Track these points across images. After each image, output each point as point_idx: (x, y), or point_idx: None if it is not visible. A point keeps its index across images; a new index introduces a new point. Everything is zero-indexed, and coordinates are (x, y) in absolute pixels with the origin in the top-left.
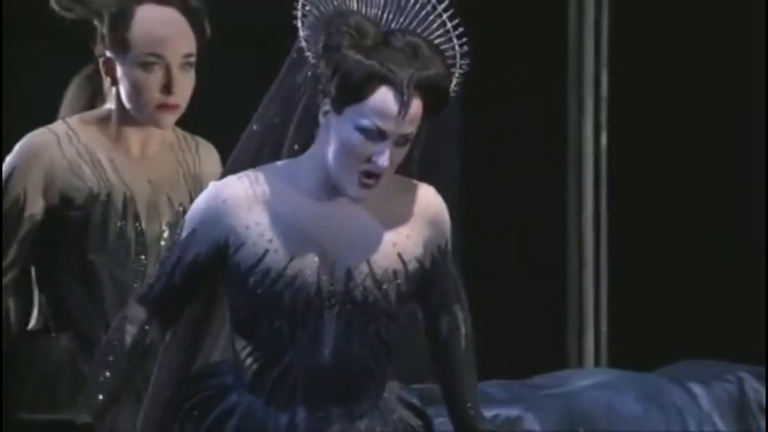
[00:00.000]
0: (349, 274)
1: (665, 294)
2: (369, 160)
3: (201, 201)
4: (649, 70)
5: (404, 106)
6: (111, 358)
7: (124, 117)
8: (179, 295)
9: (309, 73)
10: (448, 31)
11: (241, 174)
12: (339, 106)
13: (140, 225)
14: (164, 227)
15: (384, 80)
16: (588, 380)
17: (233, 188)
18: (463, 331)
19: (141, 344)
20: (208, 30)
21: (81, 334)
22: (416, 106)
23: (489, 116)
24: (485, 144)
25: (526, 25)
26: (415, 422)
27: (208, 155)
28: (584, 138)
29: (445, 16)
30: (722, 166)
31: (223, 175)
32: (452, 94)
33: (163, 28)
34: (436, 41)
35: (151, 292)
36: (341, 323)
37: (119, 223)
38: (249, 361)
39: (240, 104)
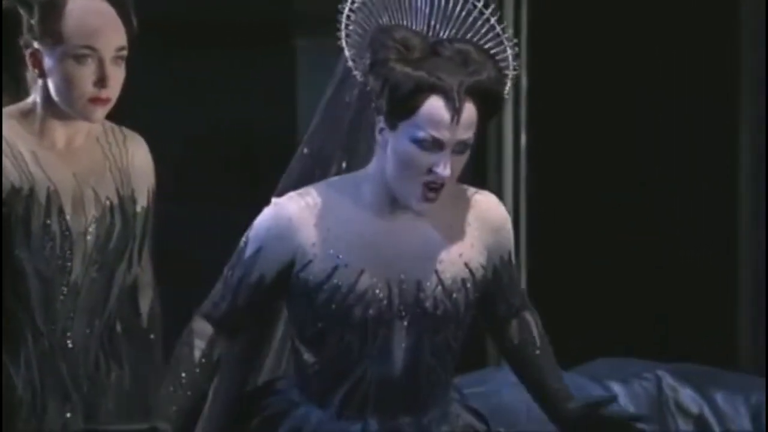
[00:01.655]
0: (419, 286)
1: (582, 293)
2: (429, 171)
3: (264, 219)
4: (568, 69)
5: (456, 112)
6: (182, 373)
7: (50, 110)
8: (245, 314)
9: (356, 92)
10: (498, 35)
11: (302, 190)
12: (392, 122)
13: (65, 220)
14: (90, 222)
15: (433, 89)
16: (508, 379)
17: (297, 205)
18: (535, 332)
19: (209, 358)
20: (135, 23)
21: (6, 330)
22: (469, 111)
23: None
24: None
25: None
26: (480, 427)
27: (136, 147)
28: (504, 138)
29: (493, 20)
30: (641, 165)
31: (276, 197)
32: (506, 97)
33: (96, 20)
34: (487, 45)
35: (216, 311)
36: (412, 334)
37: (43, 218)
38: (317, 375)
39: (158, 98)
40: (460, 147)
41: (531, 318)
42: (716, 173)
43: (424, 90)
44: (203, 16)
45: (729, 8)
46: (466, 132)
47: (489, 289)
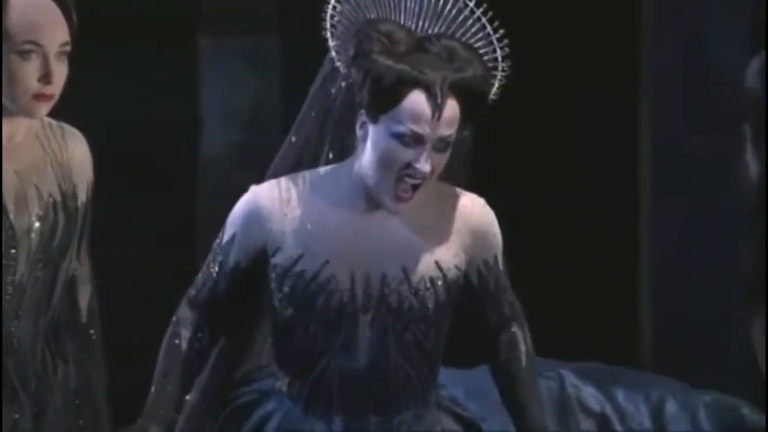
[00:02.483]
0: (383, 280)
1: None
2: (408, 166)
3: (240, 206)
4: None
5: (437, 108)
6: (171, 364)
7: None
8: (226, 300)
9: (342, 84)
10: (488, 35)
11: (280, 179)
12: (373, 114)
13: (9, 219)
14: (34, 219)
15: (415, 83)
16: None
17: (271, 193)
18: (522, 349)
19: (195, 347)
20: (76, 18)
21: None
22: (452, 108)
23: None
24: None
25: None
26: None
27: (75, 142)
28: None
29: (484, 19)
30: (543, 162)
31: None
32: (493, 97)
33: (40, 15)
34: (476, 45)
35: (199, 296)
36: (376, 329)
37: None
38: (286, 366)
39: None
40: (440, 144)
41: (520, 333)
42: (618, 173)
43: (406, 83)
44: (106, 12)
45: (631, 7)
46: (447, 129)
47: (476, 295)
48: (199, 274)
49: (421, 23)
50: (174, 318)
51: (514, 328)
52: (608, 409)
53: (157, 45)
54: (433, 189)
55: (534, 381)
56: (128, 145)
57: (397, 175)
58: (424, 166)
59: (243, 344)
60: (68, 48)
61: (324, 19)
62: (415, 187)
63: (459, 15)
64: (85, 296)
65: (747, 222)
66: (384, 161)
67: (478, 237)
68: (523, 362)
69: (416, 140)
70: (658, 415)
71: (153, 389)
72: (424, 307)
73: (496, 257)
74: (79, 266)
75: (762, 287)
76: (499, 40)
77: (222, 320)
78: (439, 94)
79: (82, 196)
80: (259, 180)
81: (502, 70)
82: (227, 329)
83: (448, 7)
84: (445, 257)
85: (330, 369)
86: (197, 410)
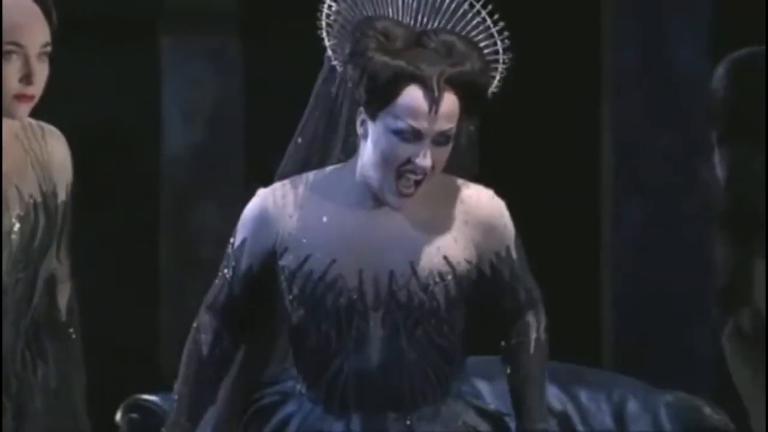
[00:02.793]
0: (392, 277)
1: None
2: (409, 162)
3: (248, 210)
4: None
5: (434, 102)
6: (194, 371)
7: None
8: (243, 304)
9: (340, 84)
10: (488, 27)
11: (286, 181)
12: (372, 112)
13: None
14: (14, 220)
15: (412, 79)
16: None
17: (277, 195)
18: (533, 336)
19: (216, 352)
20: (56, 18)
21: None
22: (450, 101)
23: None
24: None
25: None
26: (485, 428)
27: (55, 141)
28: None
29: (483, 12)
30: (509, 162)
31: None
32: (494, 90)
33: (22, 16)
34: (476, 39)
35: (216, 301)
36: (387, 326)
37: None
38: (303, 367)
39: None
40: (440, 138)
41: (533, 321)
42: (579, 174)
43: (402, 79)
44: (67, 11)
45: (590, 9)
46: (446, 123)
47: (491, 285)
48: (216, 280)
49: (420, 18)
50: (194, 324)
51: (529, 317)
52: (570, 408)
53: (118, 44)
54: (439, 183)
55: (539, 371)
56: (88, 145)
57: (398, 171)
58: (424, 161)
59: (266, 348)
60: (49, 48)
61: (320, 19)
62: (417, 183)
63: (458, 9)
64: (64, 295)
65: (712, 224)
66: (384, 158)
67: (486, 229)
68: (531, 350)
69: (415, 135)
70: (619, 414)
71: (176, 397)
72: (435, 302)
73: (508, 248)
74: (59, 265)
75: (734, 292)
76: (500, 32)
77: (242, 324)
78: (435, 88)
79: (62, 196)
80: (223, 179)
81: (503, 63)
82: (248, 333)
83: (447, 1)
84: (453, 251)
85: (344, 368)
86: (223, 417)
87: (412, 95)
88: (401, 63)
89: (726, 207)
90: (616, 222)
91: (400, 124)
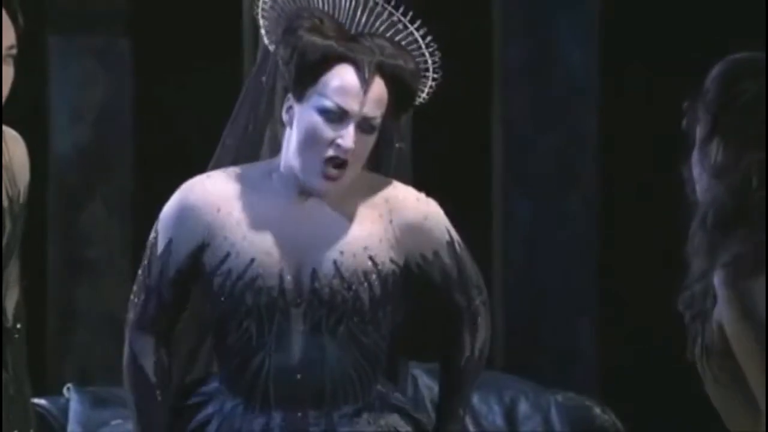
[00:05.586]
0: (314, 275)
1: None
2: (332, 143)
3: (171, 207)
4: None
5: (365, 83)
6: (146, 402)
7: None
8: (174, 310)
9: (271, 70)
10: (417, 41)
11: (211, 174)
12: (299, 91)
13: None
14: None
15: (343, 58)
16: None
17: (201, 189)
18: (465, 354)
19: (159, 373)
20: (22, 20)
21: None
22: (379, 87)
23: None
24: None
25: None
26: (405, 429)
27: (15, 144)
28: None
29: (412, 28)
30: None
31: None
32: (421, 100)
33: None
34: (409, 48)
35: (144, 317)
36: (309, 323)
37: None
38: (225, 365)
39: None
40: (365, 125)
41: (468, 338)
42: (470, 172)
43: (332, 58)
44: None
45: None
46: (374, 108)
47: (422, 288)
48: (134, 296)
49: (355, 23)
50: (127, 349)
51: (465, 333)
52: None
53: None
54: (367, 181)
55: (468, 383)
56: None
57: (322, 154)
58: (347, 141)
59: (191, 350)
60: (14, 51)
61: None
62: (340, 165)
63: (391, 28)
64: (12, 298)
65: (685, 226)
66: (309, 139)
67: (411, 231)
68: (461, 365)
69: (341, 116)
70: (510, 415)
71: (138, 425)
72: (359, 300)
73: (436, 252)
74: (12, 269)
75: (705, 299)
76: (428, 46)
77: (172, 329)
78: (366, 70)
79: (23, 199)
80: (112, 178)
81: (433, 79)
82: (180, 336)
83: (377, 8)
84: (378, 250)
85: (265, 364)
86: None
87: (342, 75)
88: (332, 43)
89: (704, 208)
90: (506, 221)
91: (327, 103)
